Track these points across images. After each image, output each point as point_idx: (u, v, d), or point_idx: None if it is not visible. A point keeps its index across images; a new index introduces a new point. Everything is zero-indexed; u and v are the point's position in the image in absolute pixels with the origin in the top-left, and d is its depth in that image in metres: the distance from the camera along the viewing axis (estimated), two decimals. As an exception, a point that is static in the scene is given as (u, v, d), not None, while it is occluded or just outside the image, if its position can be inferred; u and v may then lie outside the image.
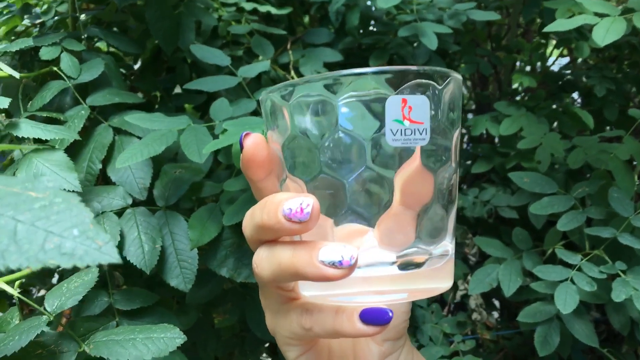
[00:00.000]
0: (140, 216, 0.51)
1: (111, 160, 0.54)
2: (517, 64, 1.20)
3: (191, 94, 0.78)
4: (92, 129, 0.56)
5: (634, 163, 0.84)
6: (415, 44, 0.92)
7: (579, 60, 1.21)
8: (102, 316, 0.52)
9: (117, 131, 0.56)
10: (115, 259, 0.21)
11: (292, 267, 0.27)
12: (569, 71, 1.16)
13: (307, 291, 0.31)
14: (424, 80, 0.27)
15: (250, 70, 0.61)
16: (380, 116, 0.27)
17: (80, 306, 0.52)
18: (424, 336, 0.92)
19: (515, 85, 1.16)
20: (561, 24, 0.62)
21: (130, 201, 0.52)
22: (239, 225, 0.51)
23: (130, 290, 0.54)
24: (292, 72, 0.82)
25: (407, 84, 0.27)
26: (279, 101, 0.29)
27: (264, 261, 0.29)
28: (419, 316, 0.95)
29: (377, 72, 0.27)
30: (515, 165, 0.93)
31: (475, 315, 0.93)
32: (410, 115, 0.26)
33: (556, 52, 1.17)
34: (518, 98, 1.18)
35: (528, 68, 1.20)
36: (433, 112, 0.27)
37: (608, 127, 1.08)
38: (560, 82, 1.10)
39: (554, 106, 1.02)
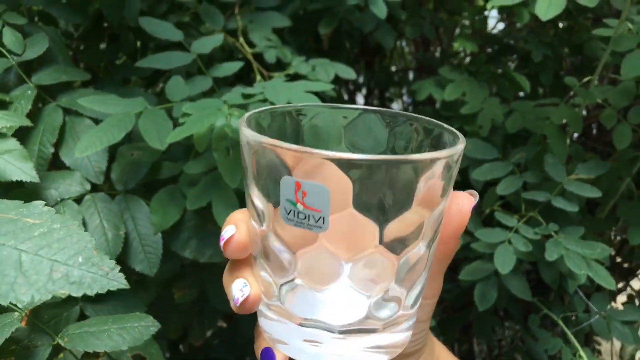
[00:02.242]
0: (101, 202, 0.50)
1: (63, 143, 0.52)
2: (459, 29, 1.22)
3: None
4: (40, 110, 0.54)
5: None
6: (363, 10, 0.93)
7: (518, 24, 1.25)
8: (64, 302, 0.51)
9: (67, 111, 0.54)
10: (123, 284, 0.22)
11: (224, 283, 0.28)
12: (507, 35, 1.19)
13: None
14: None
15: (203, 45, 0.59)
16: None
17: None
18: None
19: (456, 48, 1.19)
20: (507, -1, 0.65)
21: (88, 187, 0.51)
22: (201, 207, 0.52)
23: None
24: (242, 39, 0.80)
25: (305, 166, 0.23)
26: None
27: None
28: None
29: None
30: (457, 129, 0.97)
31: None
32: (304, 200, 0.23)
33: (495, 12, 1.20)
34: (459, 61, 1.21)
35: (470, 31, 1.23)
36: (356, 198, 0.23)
37: (542, 90, 1.13)
38: (498, 46, 1.14)
39: (494, 70, 1.06)
